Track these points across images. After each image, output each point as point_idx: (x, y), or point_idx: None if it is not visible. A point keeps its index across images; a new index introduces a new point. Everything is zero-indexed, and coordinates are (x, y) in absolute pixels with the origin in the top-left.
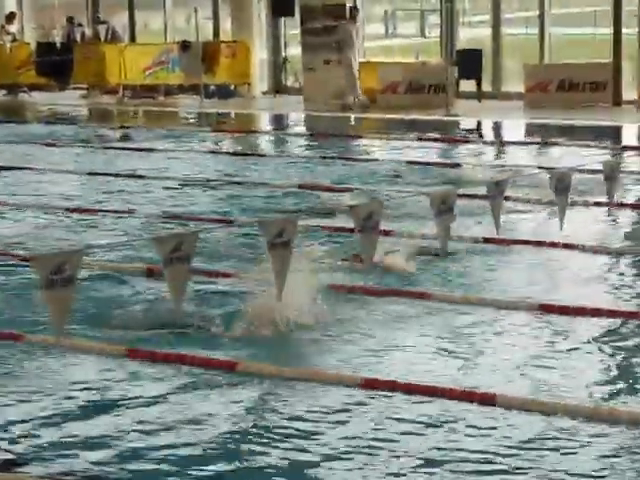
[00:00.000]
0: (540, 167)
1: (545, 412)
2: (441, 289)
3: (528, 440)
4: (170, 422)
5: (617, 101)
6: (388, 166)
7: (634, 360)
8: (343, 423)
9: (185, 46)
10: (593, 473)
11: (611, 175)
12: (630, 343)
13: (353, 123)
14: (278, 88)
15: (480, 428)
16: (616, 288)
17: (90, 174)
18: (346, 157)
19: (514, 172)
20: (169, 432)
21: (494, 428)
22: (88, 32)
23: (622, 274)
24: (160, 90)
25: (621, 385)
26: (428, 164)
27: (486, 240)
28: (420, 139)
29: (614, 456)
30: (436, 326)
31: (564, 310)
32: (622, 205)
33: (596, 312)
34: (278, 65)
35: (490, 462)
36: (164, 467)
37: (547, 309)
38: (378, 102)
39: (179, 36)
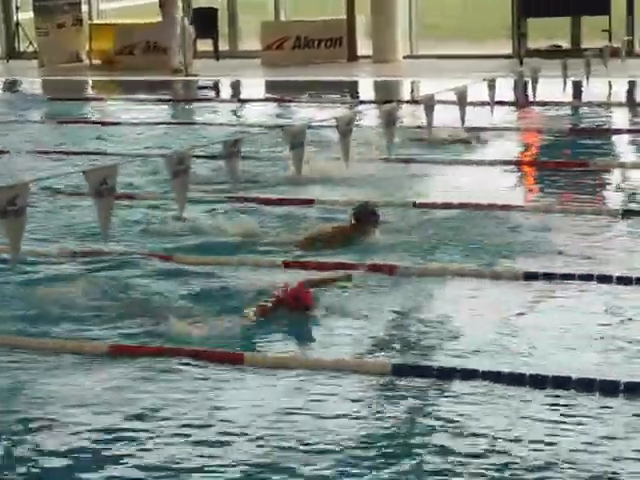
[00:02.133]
0: (277, 125)
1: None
2: None
3: None
4: None
5: (352, 56)
6: (123, 127)
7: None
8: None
9: None
10: None
11: (345, 129)
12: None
13: (90, 86)
14: (11, 53)
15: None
16: None
17: None
18: (84, 120)
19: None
20: None
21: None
22: None
23: None
24: None
25: None
26: (166, 124)
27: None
28: (159, 100)
29: None
30: None
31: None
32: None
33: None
34: (10, 30)
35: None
36: None
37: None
38: (115, 64)
39: None
